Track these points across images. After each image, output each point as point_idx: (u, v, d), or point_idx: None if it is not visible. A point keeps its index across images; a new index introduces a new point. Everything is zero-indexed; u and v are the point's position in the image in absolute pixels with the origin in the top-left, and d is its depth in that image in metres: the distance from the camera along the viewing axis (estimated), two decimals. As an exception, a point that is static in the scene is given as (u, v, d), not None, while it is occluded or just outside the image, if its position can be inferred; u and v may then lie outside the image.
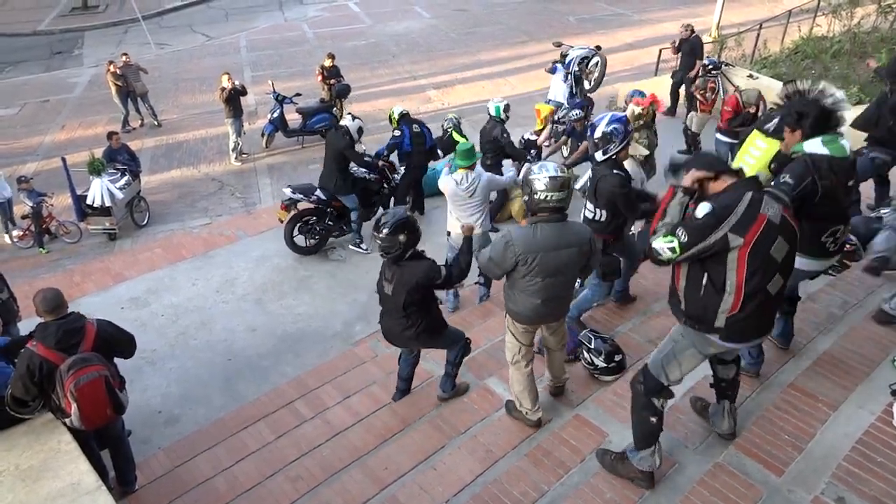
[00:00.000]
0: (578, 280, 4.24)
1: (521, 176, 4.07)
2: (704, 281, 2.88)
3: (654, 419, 3.18)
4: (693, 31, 11.03)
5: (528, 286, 3.53)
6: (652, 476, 3.35)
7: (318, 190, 7.60)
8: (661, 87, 11.00)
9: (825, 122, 3.38)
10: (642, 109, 6.64)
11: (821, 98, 3.39)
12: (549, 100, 10.01)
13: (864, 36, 13.05)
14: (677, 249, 2.81)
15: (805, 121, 3.41)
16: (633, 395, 3.26)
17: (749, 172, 3.48)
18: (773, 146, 4.06)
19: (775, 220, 2.78)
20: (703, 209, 2.79)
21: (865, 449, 3.41)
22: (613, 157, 4.33)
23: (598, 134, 4.33)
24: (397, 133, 8.07)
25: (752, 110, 7.43)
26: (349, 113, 7.95)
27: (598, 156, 4.37)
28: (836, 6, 14.18)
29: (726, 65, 11.51)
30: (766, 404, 3.81)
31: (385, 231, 3.88)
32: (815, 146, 3.38)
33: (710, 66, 9.55)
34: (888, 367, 4.02)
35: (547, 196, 3.39)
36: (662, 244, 2.85)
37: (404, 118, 8.16)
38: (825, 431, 3.59)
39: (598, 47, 10.42)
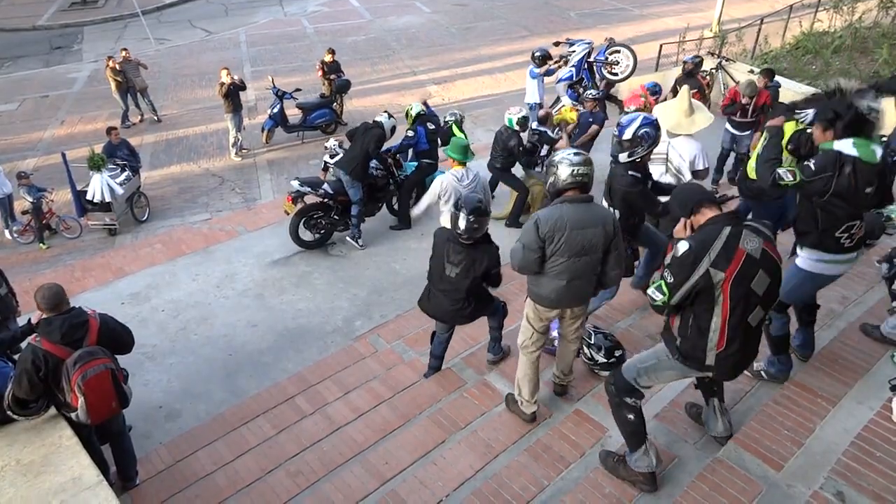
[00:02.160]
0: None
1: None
2: (690, 322, 2.96)
3: (631, 416, 3.25)
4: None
5: (553, 266, 3.54)
6: (654, 477, 3.36)
7: (326, 184, 7.61)
8: (661, 82, 10.99)
9: (858, 127, 3.37)
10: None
11: (858, 102, 3.37)
12: (527, 103, 10.05)
13: (865, 31, 13.04)
14: (665, 290, 2.90)
15: (839, 122, 3.41)
16: (608, 397, 3.35)
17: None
18: (789, 127, 4.16)
19: (755, 254, 2.83)
20: (681, 247, 2.85)
21: (865, 444, 3.42)
22: (638, 160, 4.33)
23: (627, 135, 4.28)
24: (410, 134, 8.03)
25: (745, 101, 8.09)
26: (385, 111, 8.03)
27: (623, 157, 4.34)
28: (837, 1, 14.17)
29: (727, 59, 11.51)
30: (766, 400, 3.83)
31: (477, 215, 3.96)
32: (845, 146, 3.36)
33: (693, 64, 9.80)
34: (888, 363, 4.03)
35: (574, 170, 3.45)
36: (653, 289, 2.95)
37: (420, 118, 8.14)
38: (824, 427, 3.60)
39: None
